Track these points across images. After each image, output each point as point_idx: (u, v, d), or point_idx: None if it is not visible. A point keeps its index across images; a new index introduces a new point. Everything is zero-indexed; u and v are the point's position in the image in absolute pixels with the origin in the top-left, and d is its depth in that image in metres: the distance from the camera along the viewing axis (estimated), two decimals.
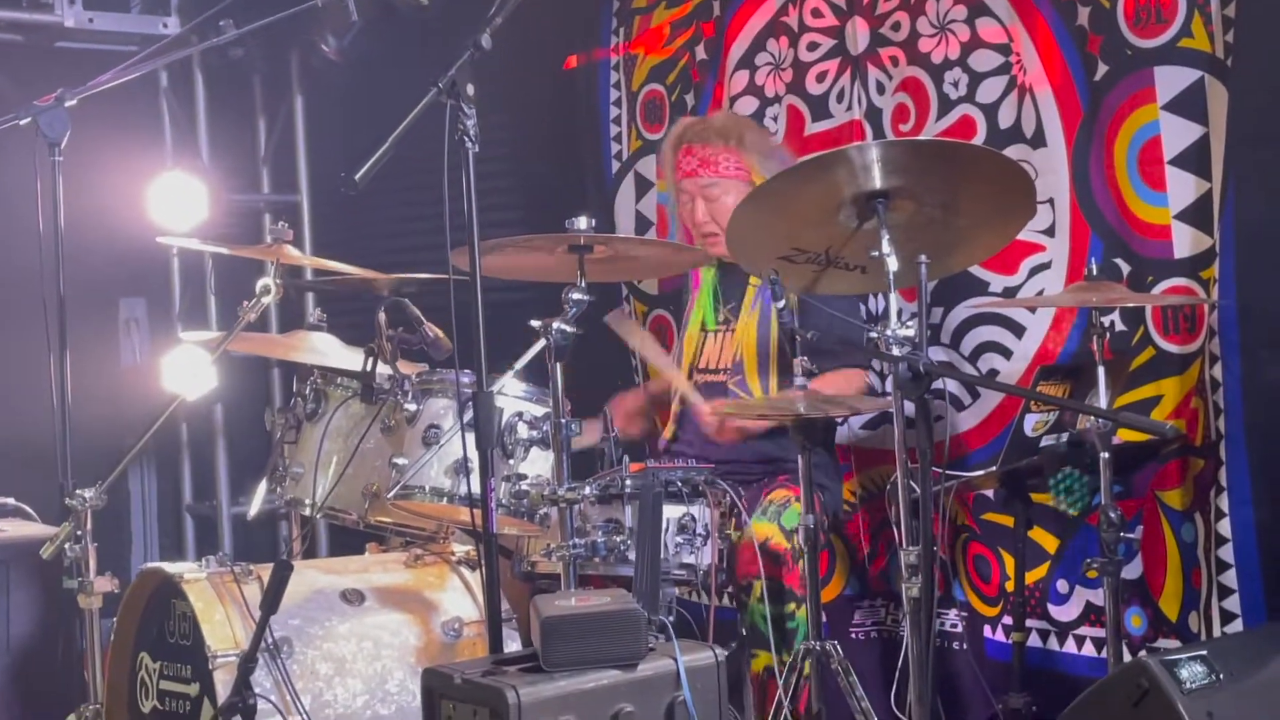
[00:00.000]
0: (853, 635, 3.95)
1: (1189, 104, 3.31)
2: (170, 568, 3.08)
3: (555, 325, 2.95)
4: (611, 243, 3.17)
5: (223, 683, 2.84)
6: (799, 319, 3.19)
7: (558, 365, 2.96)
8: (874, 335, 2.92)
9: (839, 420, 3.99)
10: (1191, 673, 2.45)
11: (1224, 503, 3.23)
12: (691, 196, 3.77)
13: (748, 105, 4.22)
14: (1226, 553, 3.23)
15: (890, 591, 3.94)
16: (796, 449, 3.22)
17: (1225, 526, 3.23)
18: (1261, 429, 3.20)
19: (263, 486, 3.33)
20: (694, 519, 3.15)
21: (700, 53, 4.36)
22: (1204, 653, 2.51)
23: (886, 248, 2.94)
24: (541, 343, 2.97)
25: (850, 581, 4.02)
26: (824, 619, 3.30)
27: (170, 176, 4.84)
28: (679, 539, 3.14)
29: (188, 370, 4.35)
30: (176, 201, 4.79)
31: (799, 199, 3.06)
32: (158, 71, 5.04)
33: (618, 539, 3.02)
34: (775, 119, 4.17)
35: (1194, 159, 3.31)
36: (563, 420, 2.94)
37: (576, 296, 3.02)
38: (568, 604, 2.50)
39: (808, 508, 3.20)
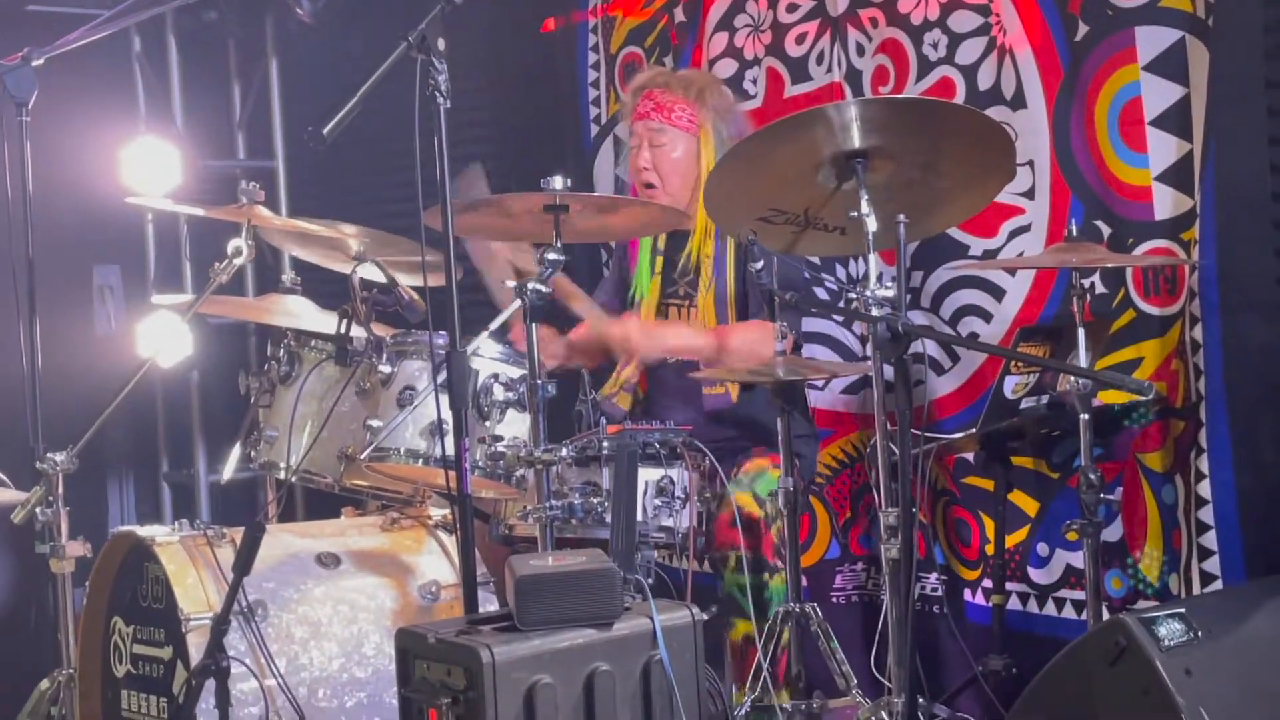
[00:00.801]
0: (833, 599, 3.95)
1: (1170, 64, 3.28)
2: (142, 531, 3.05)
3: (531, 286, 2.92)
4: (587, 202, 3.14)
5: (196, 646, 2.81)
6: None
7: (533, 326, 2.94)
8: (853, 296, 2.90)
9: (819, 384, 3.98)
10: (1169, 630, 2.44)
11: (1204, 464, 3.22)
12: (640, 140, 3.71)
13: (727, 68, 4.18)
14: (1207, 514, 3.22)
15: (871, 555, 3.93)
16: (774, 413, 3.21)
17: (1205, 488, 3.22)
18: (1242, 390, 3.19)
19: (236, 450, 3.30)
20: (672, 482, 3.13)
21: (679, 15, 4.32)
22: (1182, 610, 2.50)
23: (865, 208, 2.92)
24: (517, 303, 2.94)
25: (831, 545, 4.01)
26: (804, 583, 3.29)
27: (143, 141, 4.79)
28: (657, 502, 3.12)
29: (162, 336, 4.31)
30: (150, 167, 4.74)
31: (777, 159, 3.03)
32: (130, 35, 4.98)
33: (595, 501, 3.00)
34: (755, 81, 4.13)
35: (1175, 120, 3.29)
36: (539, 381, 2.92)
37: (552, 257, 3.00)
38: (543, 564, 2.48)
39: (787, 470, 3.18)
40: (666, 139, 3.68)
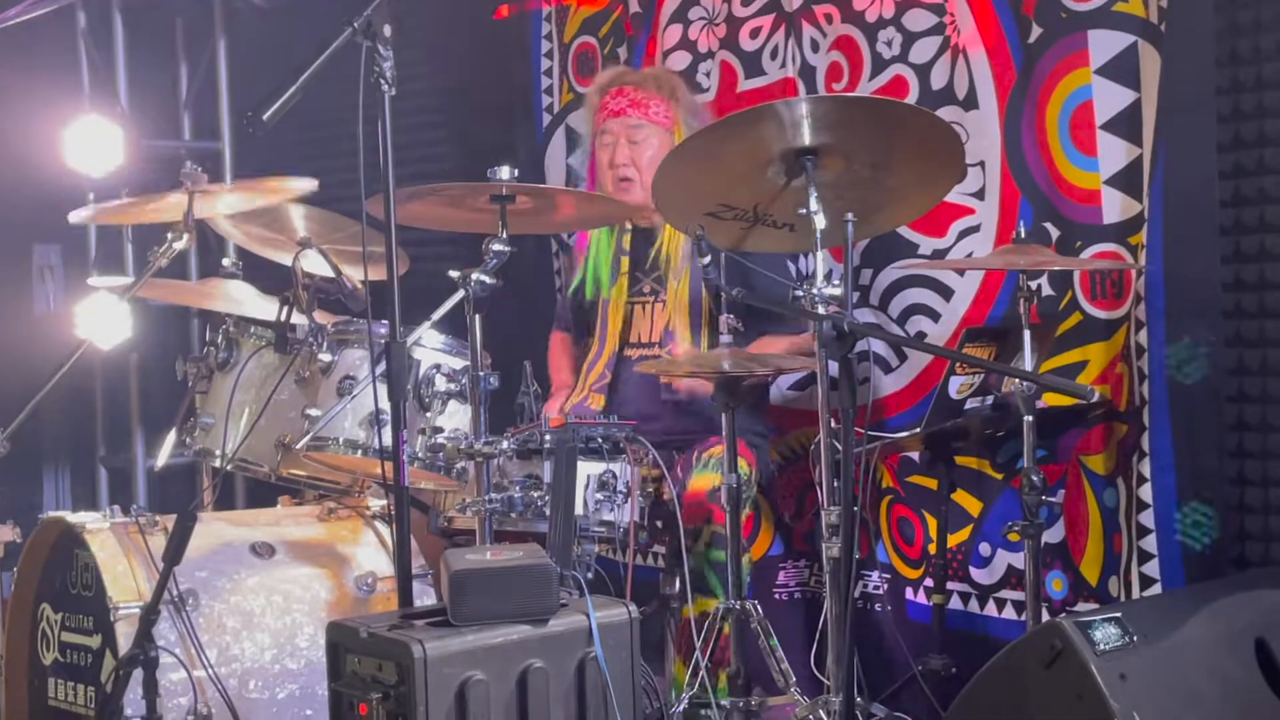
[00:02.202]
0: (776, 596, 3.93)
1: (1122, 69, 3.28)
2: (72, 517, 2.99)
3: (475, 276, 2.89)
4: (534, 193, 3.10)
5: (124, 635, 2.76)
6: (728, 278, 3.14)
7: (477, 317, 2.90)
8: (799, 294, 2.89)
9: (769, 380, 3.96)
10: (1105, 634, 2.44)
11: (1146, 468, 3.23)
12: (615, 137, 3.70)
13: (680, 60, 4.15)
14: (1147, 518, 3.23)
15: (815, 553, 3.92)
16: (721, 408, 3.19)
17: (1146, 492, 3.23)
18: (1184, 395, 3.20)
19: (172, 436, 3.25)
20: (615, 476, 3.10)
21: (634, 5, 4.28)
22: (1118, 615, 2.49)
23: (814, 205, 2.92)
24: (460, 294, 2.90)
25: (775, 542, 4.00)
26: (748, 578, 3.28)
27: (87, 120, 4.69)
28: (599, 496, 3.09)
29: (101, 318, 4.23)
30: (93, 146, 4.65)
31: (727, 154, 3.02)
32: (75, 12, 4.88)
33: (535, 495, 2.97)
34: (708, 75, 4.11)
35: (1126, 124, 3.29)
36: (481, 373, 2.89)
37: (497, 248, 2.97)
38: (479, 558, 2.45)
39: (730, 466, 3.16)
40: (644, 134, 3.68)
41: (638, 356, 3.71)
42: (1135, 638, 2.46)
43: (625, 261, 3.76)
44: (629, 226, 3.78)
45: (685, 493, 3.29)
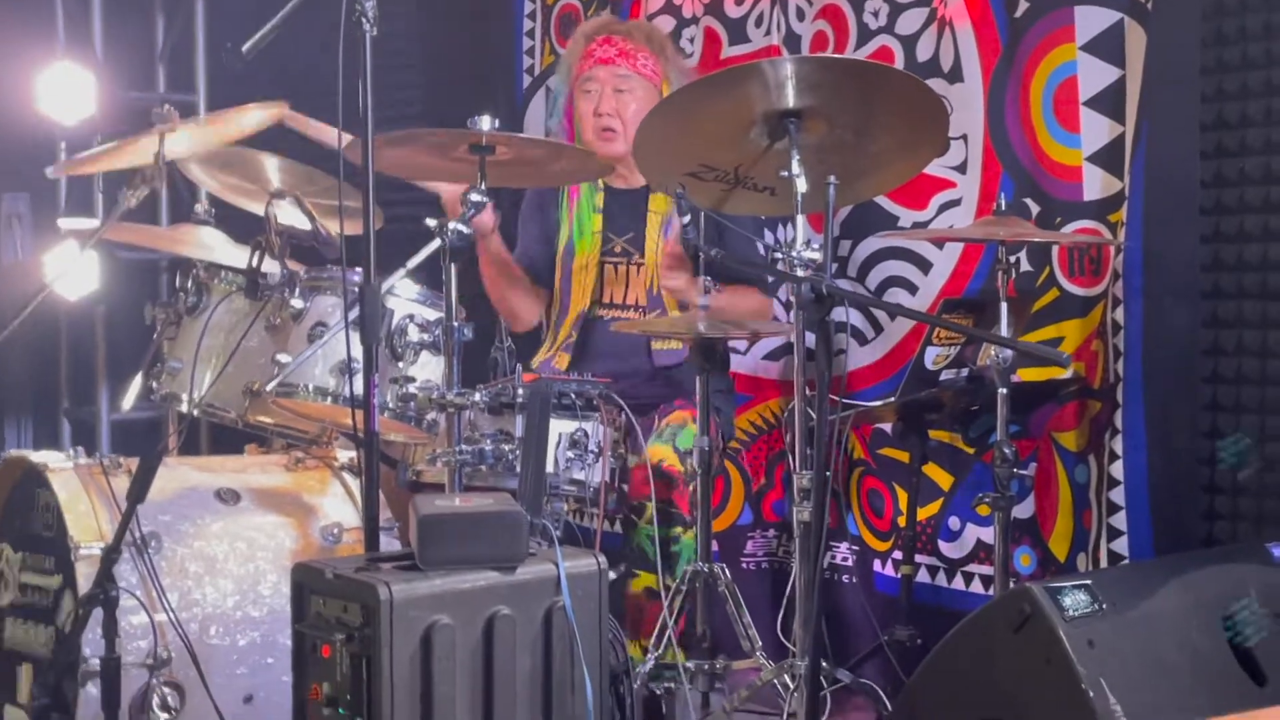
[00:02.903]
0: (743, 564, 3.93)
1: (1107, 45, 3.28)
2: (35, 456, 2.93)
3: (452, 226, 2.85)
4: (514, 144, 3.06)
5: (85, 575, 2.71)
6: (707, 237, 3.11)
7: (453, 267, 2.87)
8: (779, 256, 2.87)
9: (741, 348, 3.95)
10: (1075, 601, 2.43)
11: (1118, 445, 3.23)
12: (601, 85, 3.64)
13: (664, 25, 4.13)
14: (1118, 495, 3.23)
15: (783, 523, 3.91)
16: (697, 371, 3.17)
17: (1118, 469, 3.23)
18: (1159, 374, 3.20)
19: (138, 380, 3.20)
20: (586, 435, 3.07)
21: None
22: (1088, 582, 2.48)
23: (796, 168, 2.89)
24: (436, 243, 2.87)
25: (744, 511, 3.99)
26: (715, 546, 3.26)
27: (60, 67, 4.62)
28: (570, 454, 3.06)
29: (69, 267, 4.17)
30: (66, 94, 4.58)
31: (710, 113, 2.99)
32: None
33: (506, 449, 2.94)
34: (692, 40, 4.09)
35: (1109, 101, 3.29)
36: (455, 324, 2.85)
37: (475, 198, 2.93)
38: (449, 504, 2.42)
39: (703, 430, 3.14)
40: (630, 86, 3.62)
41: (610, 318, 3.67)
42: (1105, 605, 2.45)
43: (598, 219, 3.72)
44: (601, 185, 3.72)
45: (636, 462, 3.25)
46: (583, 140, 3.70)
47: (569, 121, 3.80)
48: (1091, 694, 2.33)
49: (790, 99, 2.92)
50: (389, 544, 3.02)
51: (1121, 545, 3.22)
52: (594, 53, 3.65)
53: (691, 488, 3.21)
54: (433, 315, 3.07)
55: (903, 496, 3.55)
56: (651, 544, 3.16)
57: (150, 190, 3.03)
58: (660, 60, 3.66)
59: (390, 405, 2.98)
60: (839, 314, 2.64)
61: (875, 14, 3.72)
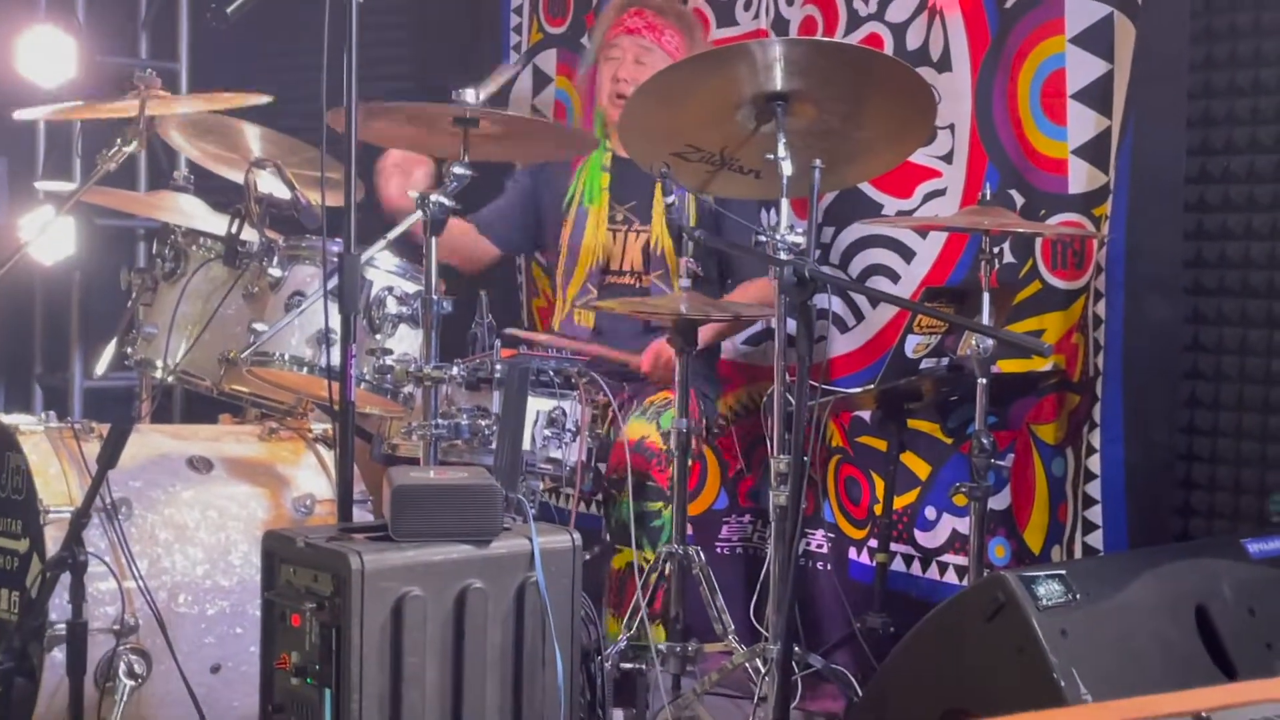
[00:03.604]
0: (718, 549, 3.92)
1: (1096, 39, 3.27)
2: (6, 419, 2.90)
3: (433, 198, 2.83)
4: (499, 117, 3.04)
5: (53, 539, 2.68)
6: (704, 223, 3.11)
7: (433, 240, 2.84)
8: (762, 239, 2.86)
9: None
10: (1048, 590, 2.42)
11: (1095, 439, 3.23)
12: (624, 53, 3.70)
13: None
14: (1094, 489, 3.23)
15: (759, 509, 3.90)
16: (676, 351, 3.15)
17: (1095, 463, 3.23)
18: (1139, 368, 3.20)
19: (112, 347, 3.16)
20: (564, 414, 3.06)
21: None
22: (1062, 572, 2.48)
23: (782, 152, 2.88)
24: (417, 214, 2.84)
25: (720, 496, 3.98)
26: (690, 530, 3.25)
27: (41, 30, 4.56)
28: (547, 432, 3.05)
29: (45, 230, 4.12)
30: (45, 58, 4.52)
31: (697, 94, 2.98)
32: None
33: (483, 424, 2.92)
34: None
35: (1097, 95, 3.28)
36: (434, 297, 2.83)
37: (459, 171, 2.91)
38: (423, 475, 2.40)
39: (681, 411, 3.13)
40: (651, 59, 3.67)
41: (611, 284, 3.71)
42: (1078, 595, 2.44)
43: (606, 178, 3.76)
44: (609, 148, 3.77)
45: (616, 438, 3.25)
46: (599, 105, 3.79)
47: (591, 85, 3.90)
48: (1063, 683, 2.32)
49: (778, 82, 2.91)
50: (362, 517, 2.99)
51: (1096, 539, 3.22)
52: (624, 21, 3.73)
53: (673, 465, 3.20)
54: (411, 288, 3.05)
55: (880, 485, 3.55)
56: (631, 518, 3.15)
57: (131, 152, 3.00)
58: (687, 41, 3.72)
59: (367, 377, 2.96)
60: (820, 300, 2.62)
61: (865, 1, 3.70)
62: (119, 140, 3.00)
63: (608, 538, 3.34)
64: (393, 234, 2.91)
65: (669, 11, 3.75)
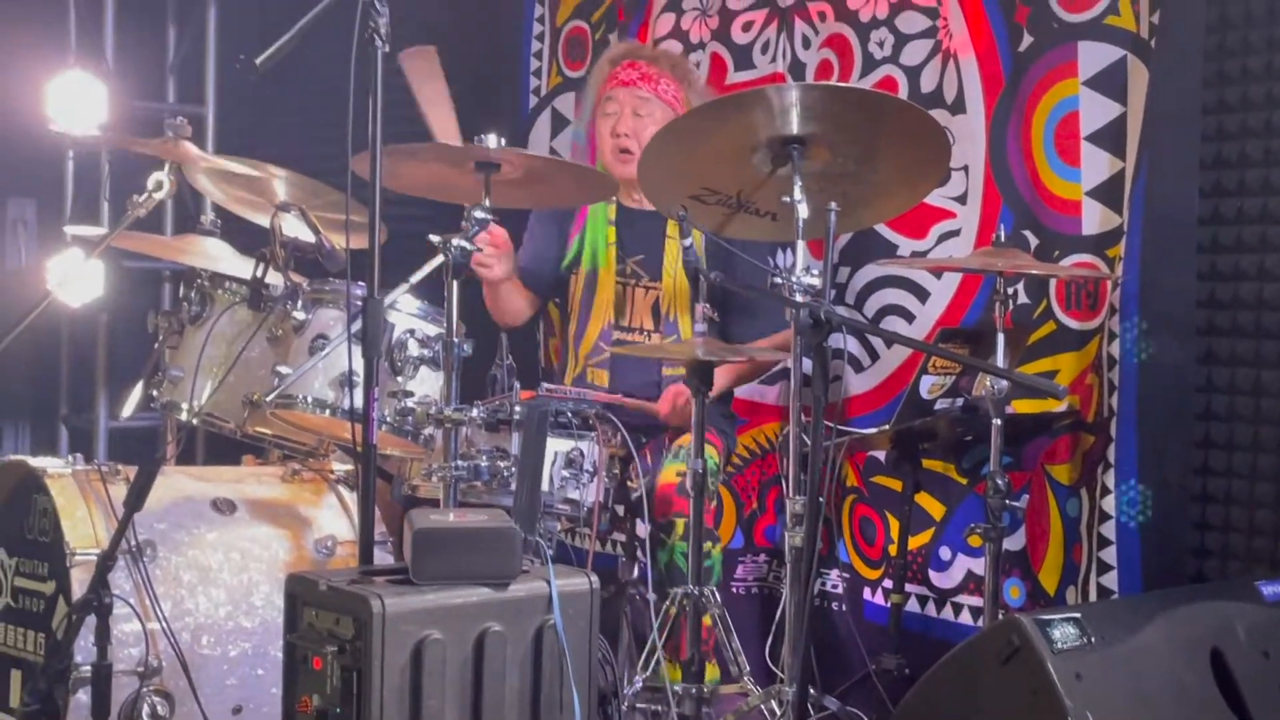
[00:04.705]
0: (734, 589, 3.93)
1: (1110, 81, 3.31)
2: (34, 461, 2.94)
3: (455, 242, 2.88)
4: (520, 161, 3.09)
5: (80, 581, 2.72)
6: (713, 263, 3.14)
7: (455, 283, 2.89)
8: (779, 281, 2.89)
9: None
10: (1063, 634, 2.44)
11: (1110, 479, 3.24)
12: (621, 106, 3.71)
13: (671, 50, 4.16)
14: (1109, 529, 3.24)
15: (774, 549, 3.92)
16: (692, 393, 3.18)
17: (1110, 503, 3.24)
18: (1153, 409, 3.22)
19: (139, 389, 3.21)
20: (582, 454, 3.09)
21: None
22: (1077, 615, 2.49)
23: (798, 194, 2.92)
24: (439, 258, 2.89)
25: (736, 535, 4.00)
26: (714, 565, 3.27)
27: (71, 76, 4.65)
28: (565, 473, 3.08)
29: (73, 274, 4.19)
30: (75, 102, 4.60)
31: (714, 137, 3.02)
32: None
33: (502, 465, 2.95)
34: (698, 65, 4.11)
35: (1110, 137, 3.31)
36: (455, 340, 2.87)
37: (480, 215, 2.95)
38: (443, 518, 2.43)
39: (697, 453, 3.15)
40: (649, 108, 3.69)
41: (620, 339, 3.72)
42: (1093, 639, 2.46)
43: (612, 231, 3.77)
44: (614, 200, 3.77)
45: (656, 483, 3.28)
46: (602, 161, 3.77)
47: (592, 141, 3.88)
48: None
49: (794, 125, 2.95)
50: (383, 558, 3.03)
51: (1111, 580, 3.23)
52: (618, 75, 3.73)
53: (713, 504, 3.22)
54: (433, 330, 3.09)
55: (894, 525, 3.57)
56: (686, 560, 3.16)
57: (161, 199, 3.06)
58: (683, 87, 3.73)
59: (388, 419, 3.00)
60: (836, 340, 2.65)
61: (881, 44, 3.75)
62: (149, 187, 3.06)
63: (634, 575, 3.35)
64: (415, 277, 2.96)
65: (662, 60, 3.76)
